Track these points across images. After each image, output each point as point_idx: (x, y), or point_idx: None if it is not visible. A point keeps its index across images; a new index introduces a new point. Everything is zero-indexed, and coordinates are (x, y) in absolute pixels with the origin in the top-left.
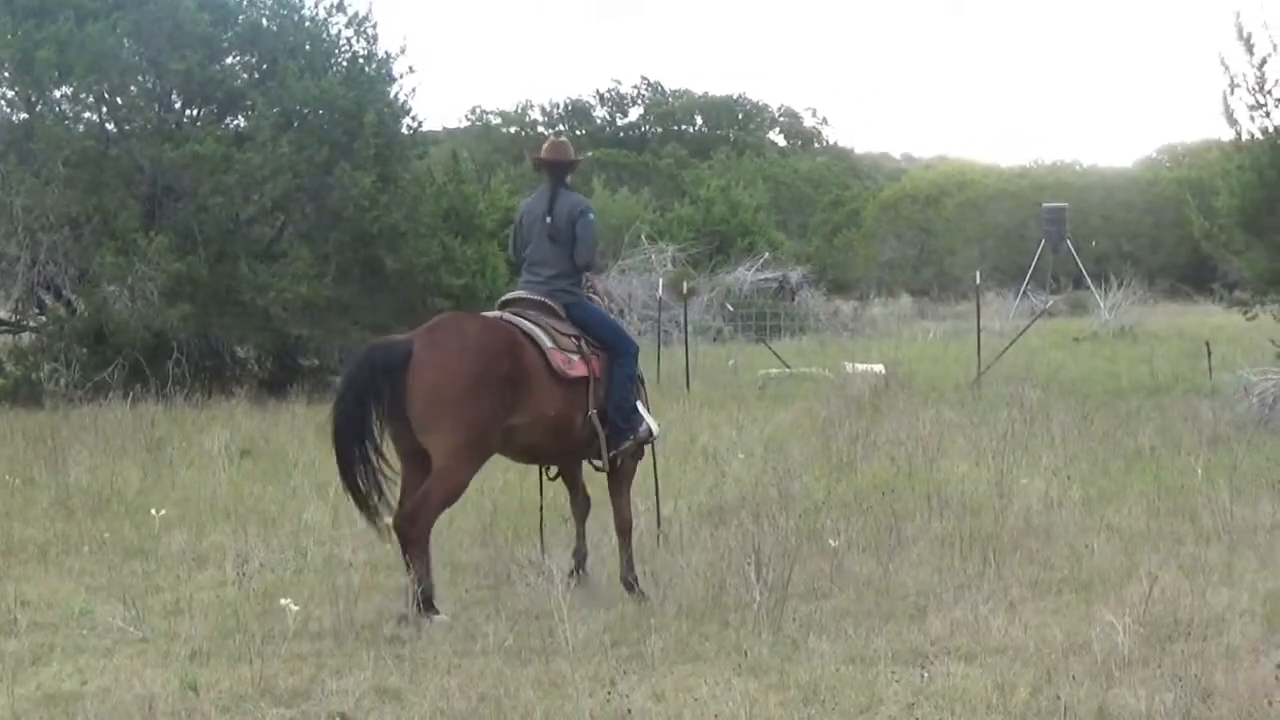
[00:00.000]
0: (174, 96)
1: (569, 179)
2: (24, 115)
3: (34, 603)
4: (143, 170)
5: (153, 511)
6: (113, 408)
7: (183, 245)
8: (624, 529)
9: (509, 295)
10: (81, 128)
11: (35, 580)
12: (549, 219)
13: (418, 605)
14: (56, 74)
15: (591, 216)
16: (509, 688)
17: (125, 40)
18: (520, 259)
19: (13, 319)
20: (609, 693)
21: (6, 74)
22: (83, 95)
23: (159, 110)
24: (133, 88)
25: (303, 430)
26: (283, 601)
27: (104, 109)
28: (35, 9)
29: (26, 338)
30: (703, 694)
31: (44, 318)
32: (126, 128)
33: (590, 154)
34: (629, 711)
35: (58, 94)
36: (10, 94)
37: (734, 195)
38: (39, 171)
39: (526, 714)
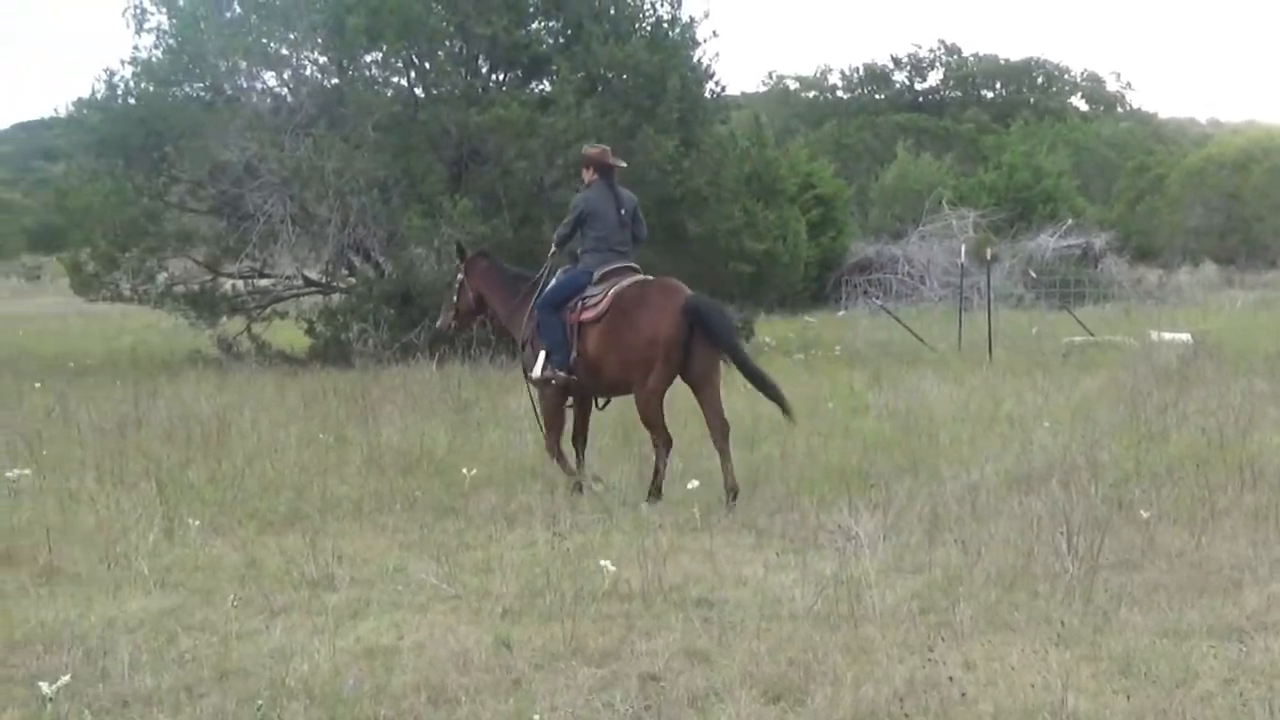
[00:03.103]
0: (480, 61)
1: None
2: (335, 81)
3: (350, 558)
4: (449, 134)
5: (463, 471)
6: (420, 369)
7: (487, 208)
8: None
9: (618, 265)
10: (390, 92)
11: (351, 536)
12: (622, 211)
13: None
14: (367, 39)
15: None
16: (818, 652)
17: (434, 5)
18: (590, 240)
19: (323, 280)
20: (925, 659)
21: (319, 40)
22: (392, 60)
23: (466, 75)
24: (440, 52)
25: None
26: (602, 562)
27: (412, 74)
28: None
29: (336, 298)
30: (1015, 663)
31: (353, 279)
32: (434, 92)
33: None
34: (948, 679)
35: (368, 59)
36: (322, 60)
37: (1036, 161)
38: (349, 136)
39: (836, 679)
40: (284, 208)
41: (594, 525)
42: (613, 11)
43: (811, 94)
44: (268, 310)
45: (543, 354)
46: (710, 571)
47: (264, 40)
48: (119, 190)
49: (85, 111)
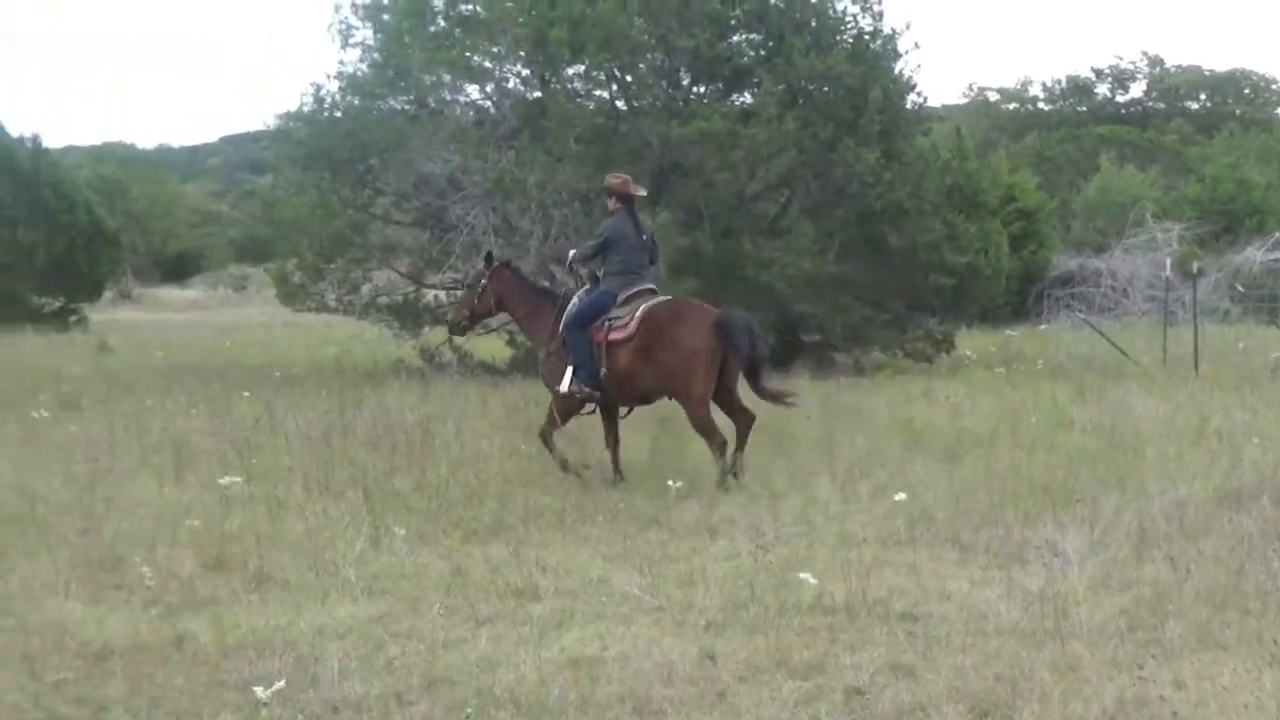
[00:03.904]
0: (682, 73)
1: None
2: (537, 93)
3: (554, 569)
4: (651, 146)
5: (669, 483)
6: None
7: (688, 221)
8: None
9: (640, 288)
10: (592, 105)
11: (554, 547)
12: (644, 237)
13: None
14: (569, 52)
15: None
16: (1024, 669)
17: (636, 18)
18: (615, 264)
19: None
20: (1134, 678)
21: (522, 53)
22: (594, 73)
23: (667, 87)
24: (642, 65)
25: (808, 405)
26: (801, 575)
27: (614, 86)
28: None
29: None
30: (1227, 683)
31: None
32: (635, 104)
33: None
34: (1158, 698)
35: (570, 72)
36: (524, 72)
37: (1242, 173)
38: (551, 148)
39: (1044, 696)
40: (486, 219)
41: (797, 538)
42: (814, 24)
43: (1012, 106)
44: None
45: (570, 370)
46: (914, 586)
47: (467, 53)
48: (325, 203)
49: (292, 125)
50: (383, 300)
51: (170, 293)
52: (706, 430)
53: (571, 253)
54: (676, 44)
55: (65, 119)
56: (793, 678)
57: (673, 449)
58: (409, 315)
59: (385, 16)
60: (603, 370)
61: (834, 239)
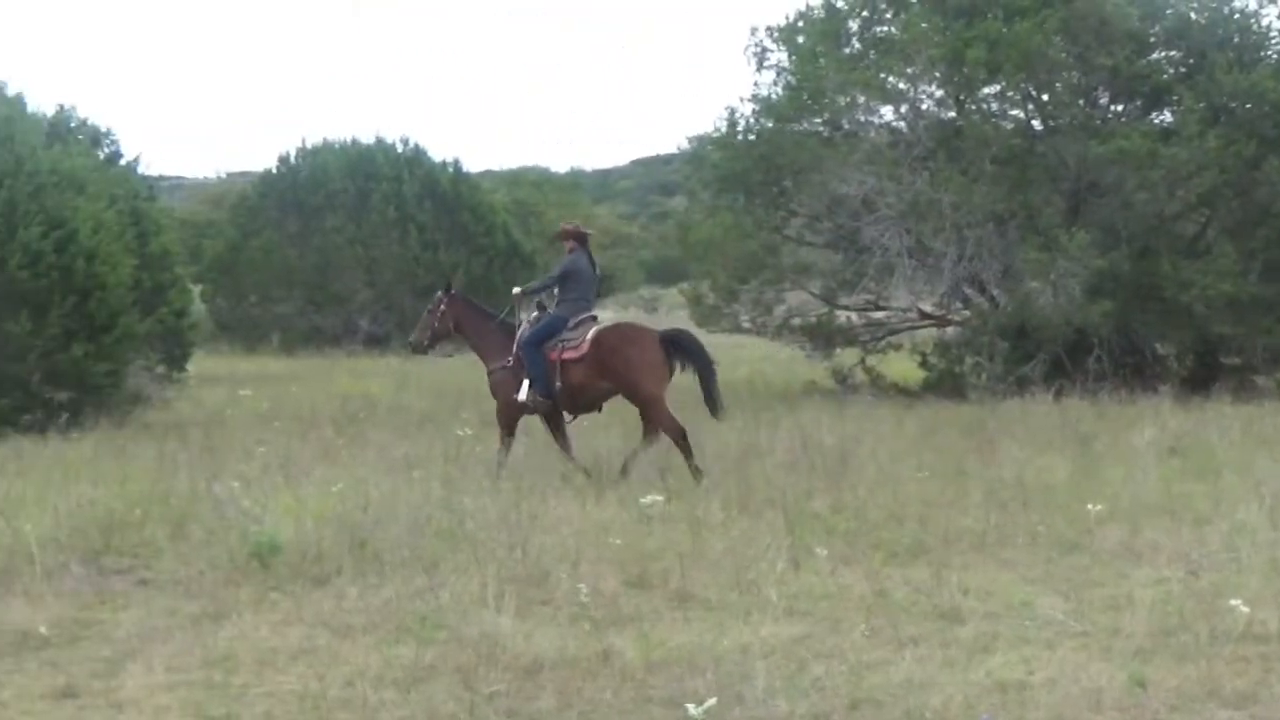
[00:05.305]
0: (1100, 92)
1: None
2: (952, 114)
3: (975, 591)
4: (1067, 166)
5: (1089, 506)
6: (1035, 402)
7: (1105, 241)
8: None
9: (586, 315)
10: (1009, 125)
11: (974, 570)
12: (597, 272)
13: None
14: (985, 72)
15: None
16: None
17: (1053, 37)
18: (570, 293)
19: (938, 313)
20: None
21: (937, 74)
22: (1010, 93)
23: (1085, 106)
24: (1059, 84)
25: (1230, 429)
26: (1232, 602)
27: (1030, 106)
28: (966, 8)
29: (950, 331)
30: None
31: (967, 312)
32: (1052, 124)
33: None
34: None
35: (985, 92)
36: (939, 93)
37: None
38: (966, 169)
39: None
40: (900, 241)
41: (1226, 564)
42: (1238, 40)
43: None
44: (882, 343)
45: (526, 382)
46: None
47: (882, 75)
48: (739, 224)
49: (706, 148)
50: (796, 322)
51: None
52: (665, 421)
53: (516, 290)
54: (1095, 62)
55: (484, 144)
56: (1225, 708)
57: (1089, 472)
58: (822, 337)
59: (800, 39)
60: (557, 384)
61: (1256, 259)
